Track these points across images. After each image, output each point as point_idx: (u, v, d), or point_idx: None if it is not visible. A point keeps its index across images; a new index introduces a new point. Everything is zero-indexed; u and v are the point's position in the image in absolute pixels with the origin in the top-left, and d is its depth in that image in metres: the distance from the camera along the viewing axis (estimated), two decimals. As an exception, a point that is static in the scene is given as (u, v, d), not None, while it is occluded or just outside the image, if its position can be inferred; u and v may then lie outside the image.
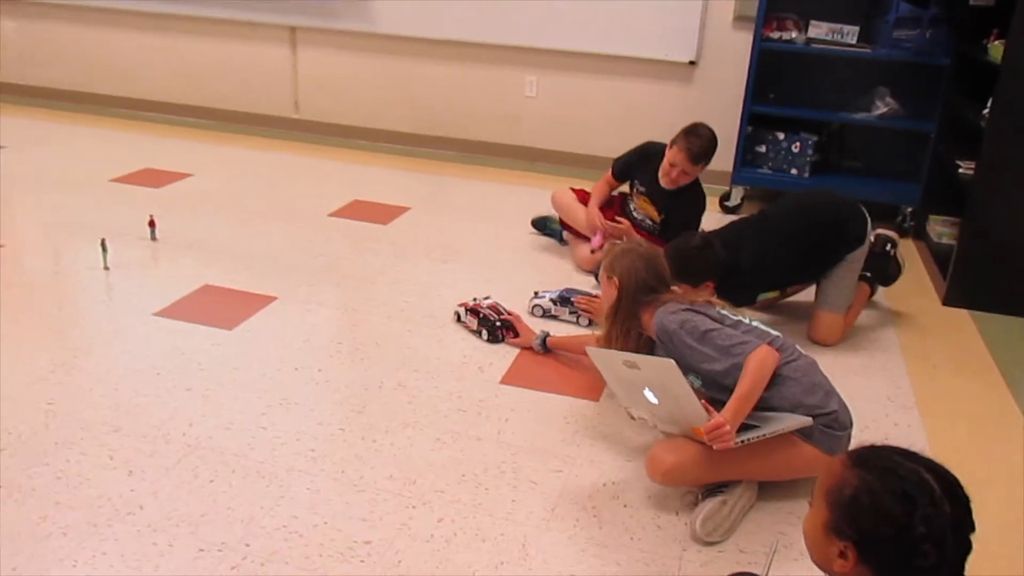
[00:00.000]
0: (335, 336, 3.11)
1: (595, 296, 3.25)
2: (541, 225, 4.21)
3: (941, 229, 4.30)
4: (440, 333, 3.16)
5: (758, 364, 2.19)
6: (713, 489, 2.21)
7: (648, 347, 2.56)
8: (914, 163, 4.60)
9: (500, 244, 4.08)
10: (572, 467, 2.41)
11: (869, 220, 3.18)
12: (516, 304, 3.29)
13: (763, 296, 3.40)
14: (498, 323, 3.10)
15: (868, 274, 3.42)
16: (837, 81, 4.71)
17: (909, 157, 4.65)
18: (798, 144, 4.67)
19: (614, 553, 2.09)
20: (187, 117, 6.14)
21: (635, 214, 3.85)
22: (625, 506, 2.26)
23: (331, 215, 4.36)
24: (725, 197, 4.76)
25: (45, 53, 6.37)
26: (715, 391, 2.30)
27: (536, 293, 3.39)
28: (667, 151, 3.59)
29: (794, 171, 4.72)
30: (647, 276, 2.52)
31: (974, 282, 3.64)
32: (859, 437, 2.37)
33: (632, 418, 2.36)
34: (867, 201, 3.28)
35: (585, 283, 3.61)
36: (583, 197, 3.95)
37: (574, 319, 3.30)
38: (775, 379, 2.23)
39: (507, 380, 2.86)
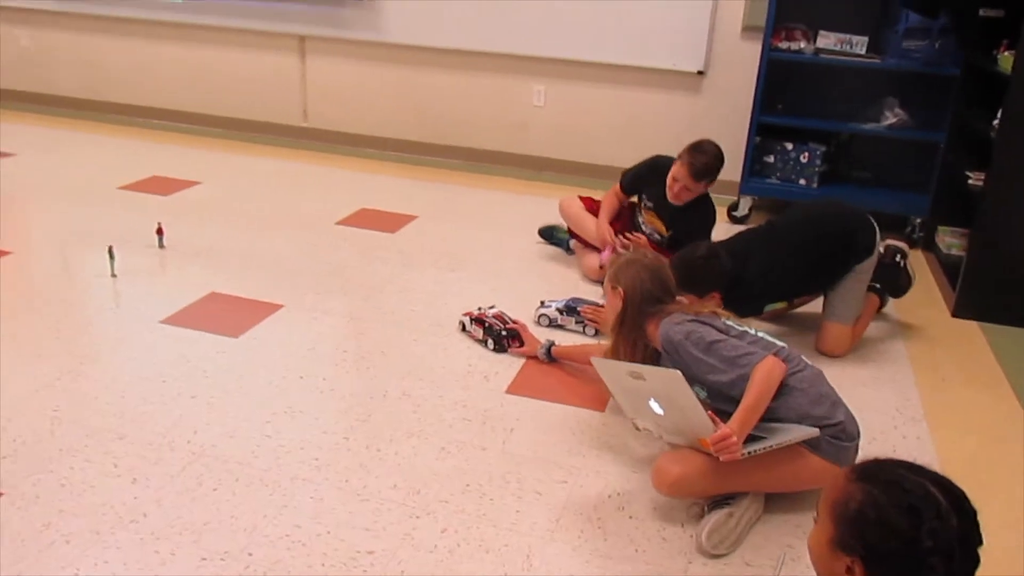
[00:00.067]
0: (341, 344, 3.10)
1: (602, 306, 3.24)
2: (548, 234, 4.20)
3: (950, 240, 4.28)
4: (446, 342, 3.15)
5: (765, 375, 2.18)
6: (719, 501, 2.20)
7: (654, 358, 2.55)
8: (923, 174, 4.58)
9: (507, 253, 4.08)
10: (577, 478, 2.40)
11: (878, 231, 3.16)
12: (522, 313, 3.28)
13: (770, 307, 3.38)
14: (503, 332, 3.09)
15: (877, 285, 3.41)
16: (846, 91, 4.69)
17: (918, 168, 4.64)
18: (806, 154, 4.66)
19: (619, 565, 2.07)
20: (196, 125, 6.16)
21: (643, 228, 3.84)
22: (630, 517, 2.25)
23: (338, 223, 4.36)
24: (733, 207, 4.74)
25: (54, 61, 6.40)
26: (721, 402, 2.28)
27: (542, 302, 3.38)
28: (673, 166, 3.58)
29: (802, 181, 4.71)
30: (652, 287, 2.51)
31: (984, 293, 3.62)
32: (867, 449, 2.35)
33: (637, 429, 2.35)
34: (876, 212, 3.27)
35: (592, 293, 3.59)
36: (590, 206, 3.95)
37: (580, 328, 3.29)
38: (781, 390, 2.21)
39: (513, 390, 2.85)
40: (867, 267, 3.18)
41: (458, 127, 5.62)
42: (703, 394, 2.33)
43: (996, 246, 3.57)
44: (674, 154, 3.63)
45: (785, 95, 4.65)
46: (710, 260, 2.95)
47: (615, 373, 2.27)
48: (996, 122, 3.53)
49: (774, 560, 2.12)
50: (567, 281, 3.80)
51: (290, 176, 5.16)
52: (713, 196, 3.69)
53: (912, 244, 4.47)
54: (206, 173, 5.05)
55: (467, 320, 3.20)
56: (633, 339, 2.55)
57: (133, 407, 2.63)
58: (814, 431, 2.15)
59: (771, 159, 4.74)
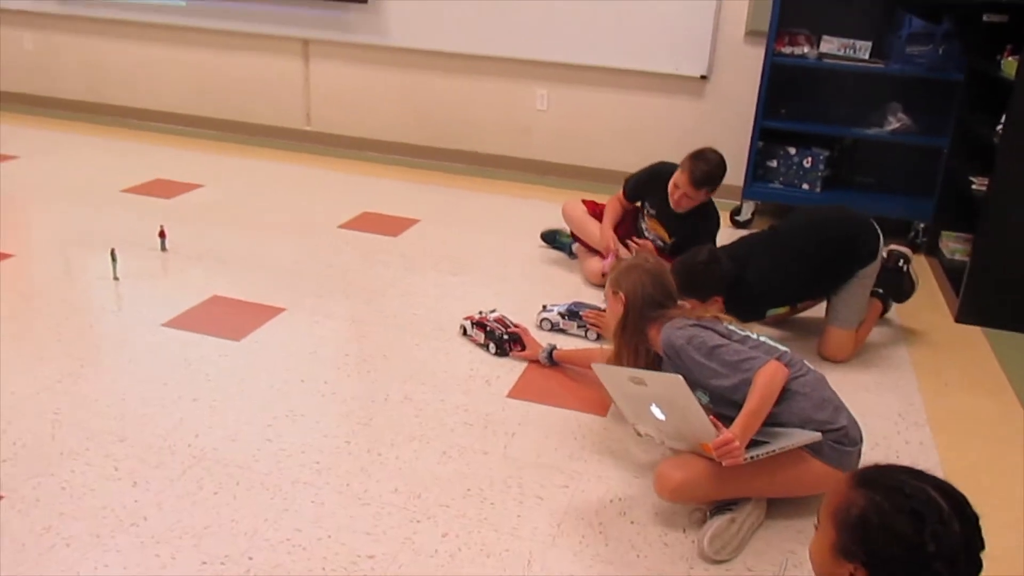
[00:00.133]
0: (342, 348, 3.10)
1: (604, 310, 3.23)
2: (550, 238, 4.19)
3: (954, 245, 4.27)
4: (448, 346, 3.15)
5: (767, 379, 2.17)
6: (721, 506, 2.19)
7: (656, 363, 2.54)
8: (927, 179, 4.57)
9: (509, 257, 4.08)
10: (579, 483, 2.39)
11: (881, 236, 3.16)
12: (524, 317, 3.28)
13: (773, 311, 3.37)
14: (505, 336, 3.08)
15: (881, 290, 3.40)
16: (849, 96, 4.69)
17: (922, 173, 4.63)
18: (810, 159, 4.65)
19: (620, 570, 2.07)
20: (199, 128, 6.16)
21: (647, 234, 3.83)
22: (632, 523, 2.24)
23: (341, 227, 4.36)
24: (736, 212, 4.74)
25: (58, 64, 6.42)
26: (723, 407, 2.28)
27: (544, 306, 3.38)
28: (675, 173, 3.56)
29: (805, 186, 4.71)
30: (653, 291, 2.50)
31: (987, 299, 3.61)
32: (870, 455, 2.35)
33: (639, 435, 2.34)
34: (879, 217, 3.26)
35: (594, 297, 3.59)
36: (593, 209, 3.94)
37: (582, 333, 3.29)
38: (784, 394, 2.21)
39: (514, 394, 2.84)
40: (870, 272, 3.17)
41: (461, 131, 5.62)
42: (705, 399, 2.33)
43: (1000, 251, 3.56)
44: (677, 160, 3.63)
45: (788, 100, 4.65)
46: (711, 265, 2.94)
47: (616, 379, 2.27)
48: (1000, 127, 3.52)
49: (776, 566, 2.11)
50: (569, 285, 3.80)
51: (293, 179, 5.17)
52: (716, 201, 3.68)
53: (915, 249, 4.47)
54: (209, 176, 5.06)
55: (469, 324, 3.20)
56: (635, 344, 2.54)
57: (134, 410, 2.62)
58: (817, 435, 2.15)
59: (774, 164, 4.74)
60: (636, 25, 4.99)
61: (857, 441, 2.26)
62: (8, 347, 2.97)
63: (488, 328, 3.12)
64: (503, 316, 3.19)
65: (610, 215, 3.83)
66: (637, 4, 4.94)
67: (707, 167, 3.48)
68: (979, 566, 1.32)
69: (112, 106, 6.36)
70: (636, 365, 2.52)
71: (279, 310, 3.36)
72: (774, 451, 2.09)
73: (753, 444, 2.12)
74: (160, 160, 5.35)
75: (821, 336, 3.25)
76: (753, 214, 4.75)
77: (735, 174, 4.37)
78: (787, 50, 4.48)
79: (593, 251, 3.87)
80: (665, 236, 3.73)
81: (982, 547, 1.32)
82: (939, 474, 1.38)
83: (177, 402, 2.68)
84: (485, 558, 2.07)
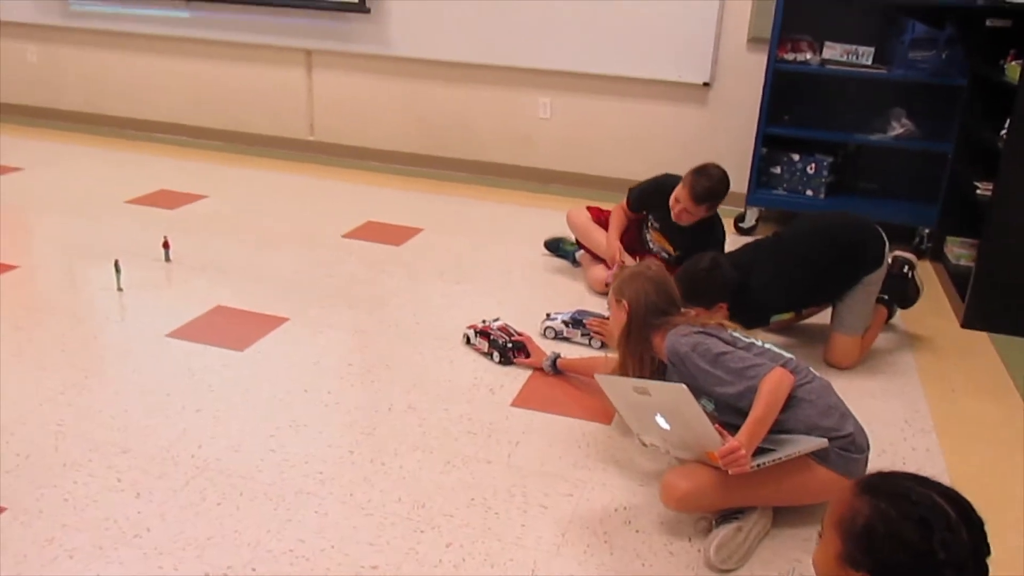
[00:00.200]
0: (346, 358, 3.09)
1: (607, 318, 3.22)
2: (554, 246, 4.19)
3: (959, 251, 4.26)
4: (451, 355, 3.14)
5: (773, 387, 2.16)
6: (728, 515, 2.17)
7: (661, 371, 2.53)
8: (931, 184, 4.56)
9: (513, 266, 4.07)
10: (583, 491, 2.38)
11: (887, 242, 3.15)
12: (528, 326, 3.27)
13: (778, 318, 3.36)
14: (509, 344, 3.08)
15: (886, 296, 3.38)
16: (852, 102, 4.68)
17: (926, 178, 4.61)
18: (813, 165, 4.65)
19: (625, 580, 2.06)
20: (203, 139, 6.18)
21: (651, 246, 3.82)
22: (637, 531, 2.23)
23: (344, 236, 4.36)
24: (740, 219, 4.73)
25: (61, 76, 6.44)
26: (728, 415, 2.26)
27: (548, 315, 3.37)
28: (677, 186, 3.54)
29: (809, 192, 4.70)
30: (657, 299, 2.49)
31: (993, 304, 3.59)
32: (876, 461, 2.33)
33: (644, 445, 2.33)
34: (884, 222, 3.24)
35: (598, 305, 3.58)
36: (598, 216, 3.93)
37: (586, 341, 3.28)
38: (790, 401, 2.19)
39: (518, 403, 2.83)
40: (876, 278, 3.16)
41: (464, 140, 5.62)
42: (710, 407, 2.31)
43: (1005, 256, 3.54)
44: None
45: (791, 106, 4.64)
46: (713, 271, 2.93)
47: (620, 389, 2.26)
48: (1004, 132, 3.51)
49: (783, 575, 2.09)
50: (573, 293, 3.79)
51: (296, 189, 5.17)
52: (720, 208, 3.66)
53: (920, 255, 4.45)
54: (213, 187, 5.06)
55: (472, 333, 3.19)
56: (639, 352, 2.53)
57: (137, 421, 2.62)
58: (823, 442, 2.13)
59: (778, 170, 4.73)
60: (638, 33, 4.99)
61: (864, 448, 2.24)
62: (12, 358, 2.97)
63: (492, 337, 3.11)
64: (507, 324, 3.19)
65: (615, 224, 3.81)
66: (639, 12, 4.94)
67: (708, 183, 3.44)
68: (986, 572, 1.30)
69: (116, 118, 6.37)
70: (641, 373, 2.51)
71: (282, 320, 3.36)
72: (780, 459, 2.08)
73: (759, 452, 2.10)
74: (164, 171, 5.36)
75: (827, 343, 3.24)
76: (757, 221, 4.74)
77: (739, 181, 4.36)
78: (790, 56, 4.48)
79: (598, 259, 3.86)
80: (670, 248, 3.72)
81: (988, 553, 1.31)
82: (945, 480, 1.37)
83: (180, 413, 2.68)
84: (489, 568, 2.06)
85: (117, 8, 6.00)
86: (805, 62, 4.47)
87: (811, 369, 2.33)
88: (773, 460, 2.07)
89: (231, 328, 3.28)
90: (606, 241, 3.78)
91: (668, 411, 2.13)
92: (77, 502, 2.23)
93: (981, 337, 3.56)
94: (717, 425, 2.09)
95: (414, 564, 2.06)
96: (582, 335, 3.29)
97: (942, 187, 4.47)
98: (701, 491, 2.15)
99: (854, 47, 4.41)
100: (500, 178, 5.56)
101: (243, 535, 2.13)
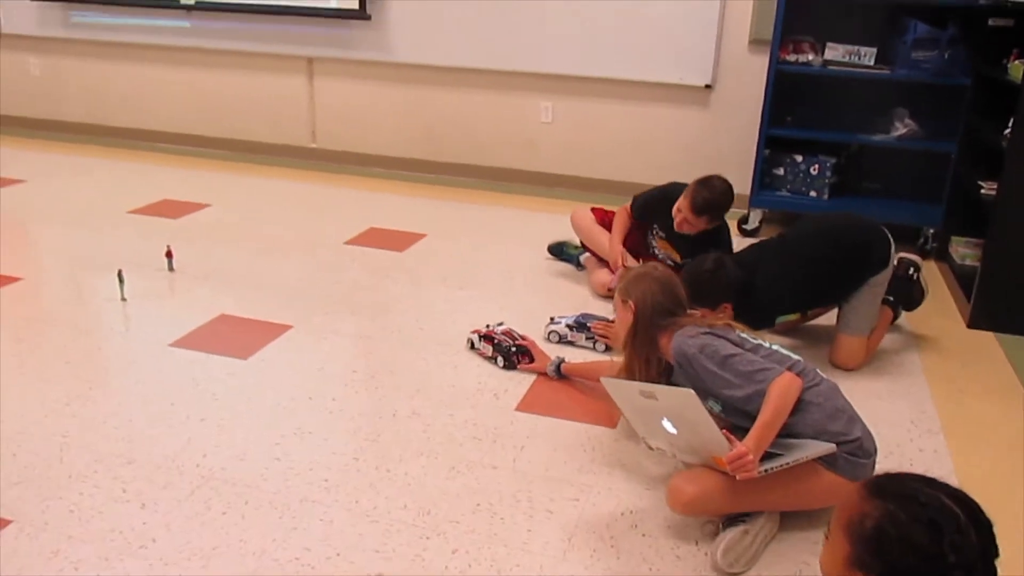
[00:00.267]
0: (350, 364, 3.09)
1: (612, 321, 3.21)
2: (557, 251, 4.18)
3: (964, 251, 4.24)
4: (455, 360, 3.13)
5: (782, 391, 2.14)
6: (734, 518, 2.16)
7: (668, 372, 2.52)
8: (935, 184, 4.54)
9: (516, 270, 4.06)
10: (589, 496, 2.37)
11: (893, 243, 3.13)
12: (531, 330, 3.26)
13: (783, 319, 3.35)
14: (513, 349, 3.07)
15: (891, 298, 3.37)
16: (855, 103, 4.67)
17: (930, 178, 4.60)
18: (816, 166, 4.64)
19: (633, 585, 2.05)
20: (205, 148, 6.18)
21: (656, 253, 3.80)
22: (644, 535, 2.22)
23: (347, 243, 4.36)
24: (743, 220, 4.72)
25: (63, 87, 6.45)
26: (736, 417, 2.25)
27: (552, 319, 3.36)
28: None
29: (813, 193, 4.69)
30: (664, 299, 2.47)
31: (999, 304, 3.58)
32: (883, 463, 2.32)
33: (650, 449, 2.32)
34: (888, 223, 3.23)
35: (601, 308, 3.57)
36: (602, 217, 3.91)
37: (591, 345, 3.27)
38: (798, 405, 2.17)
39: (523, 407, 2.82)
40: (882, 279, 3.15)
41: (466, 145, 5.62)
42: (717, 407, 2.30)
43: (1010, 255, 3.53)
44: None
45: (794, 107, 4.64)
46: (717, 272, 2.92)
47: (626, 393, 2.24)
48: (1007, 131, 3.50)
49: (791, 578, 2.08)
50: (577, 297, 3.78)
51: (299, 197, 5.17)
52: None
53: (925, 255, 4.44)
54: (215, 196, 5.07)
55: (476, 337, 3.18)
56: (646, 353, 2.50)
57: (142, 431, 2.61)
58: (831, 447, 2.12)
59: (781, 172, 4.72)
60: (640, 36, 4.99)
61: (871, 453, 2.23)
62: (16, 371, 2.97)
63: (496, 341, 3.11)
64: (511, 329, 3.18)
65: (619, 228, 3.79)
66: (640, 15, 4.94)
67: (709, 195, 3.40)
68: (994, 573, 1.29)
69: (118, 128, 6.38)
70: (647, 374, 2.49)
71: (286, 327, 3.35)
72: (788, 464, 2.06)
73: (766, 457, 2.09)
74: (166, 181, 5.37)
75: (833, 344, 3.23)
76: (761, 222, 4.73)
77: (742, 182, 4.36)
78: (792, 58, 4.47)
79: (602, 262, 3.84)
80: (676, 257, 3.70)
81: (997, 554, 1.29)
82: (953, 481, 1.36)
83: (185, 422, 2.67)
84: (496, 574, 2.05)
85: (118, 19, 6.02)
86: (807, 63, 4.46)
87: (819, 371, 2.32)
88: (781, 465, 2.06)
89: (235, 336, 3.28)
90: (608, 245, 3.77)
91: (675, 416, 2.12)
92: (82, 513, 2.23)
93: (987, 337, 3.54)
94: (725, 431, 2.08)
95: (420, 571, 2.05)
96: (586, 338, 3.28)
97: (946, 187, 4.45)
98: (707, 495, 2.14)
99: (856, 48, 4.40)
100: (502, 183, 5.56)
101: (248, 544, 2.13)
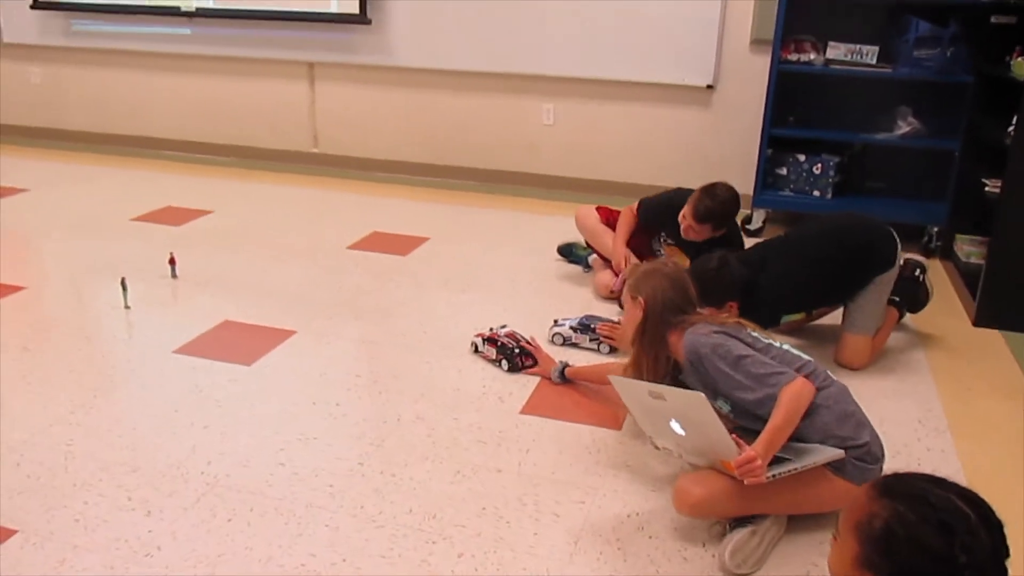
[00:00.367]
0: (353, 369, 3.08)
1: (617, 323, 3.20)
2: (566, 252, 4.17)
3: (969, 248, 4.23)
4: (459, 363, 3.13)
5: (793, 397, 2.12)
6: (742, 520, 2.15)
7: (676, 371, 2.49)
8: (939, 182, 4.54)
9: (519, 273, 4.06)
10: (595, 498, 2.36)
11: (899, 243, 3.12)
12: (536, 332, 3.25)
13: (788, 318, 3.34)
14: (517, 351, 3.06)
15: (896, 298, 3.36)
16: (858, 102, 4.66)
17: (934, 176, 4.59)
18: (819, 166, 4.63)
19: (640, 588, 2.03)
20: (207, 155, 6.19)
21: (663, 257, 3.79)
22: (650, 537, 2.21)
23: (350, 247, 4.35)
24: (747, 220, 4.71)
25: (64, 96, 6.46)
26: (745, 419, 2.24)
27: (556, 321, 3.35)
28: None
29: (816, 193, 4.68)
30: (674, 296, 2.44)
31: (1005, 301, 3.56)
32: (891, 462, 2.31)
33: (656, 448, 2.31)
34: (892, 221, 3.22)
35: (605, 310, 3.56)
36: (607, 217, 3.89)
37: (595, 346, 3.26)
38: (807, 409, 2.15)
39: (527, 410, 2.81)
40: (888, 279, 3.14)
41: (468, 148, 5.62)
42: (726, 408, 2.29)
43: (1016, 253, 3.52)
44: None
45: (796, 107, 4.63)
46: (721, 270, 2.91)
47: (634, 392, 2.23)
48: (1011, 128, 3.49)
49: (799, 579, 2.07)
50: (580, 299, 3.77)
51: (302, 202, 5.17)
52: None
53: (930, 253, 4.43)
54: (218, 202, 5.07)
55: (480, 341, 3.17)
56: (655, 351, 2.47)
57: (146, 439, 2.61)
58: (840, 452, 2.10)
59: (784, 171, 4.71)
60: (641, 37, 4.98)
61: (879, 457, 2.21)
62: (21, 379, 2.96)
63: (500, 344, 3.10)
64: (514, 331, 3.17)
65: (623, 229, 3.76)
66: (641, 16, 4.94)
67: (711, 203, 3.38)
68: (1005, 574, 1.28)
69: (119, 136, 6.39)
70: (655, 372, 2.46)
71: (289, 333, 3.35)
72: (796, 469, 2.04)
73: (775, 461, 2.07)
74: (169, 188, 5.37)
75: (838, 343, 3.22)
76: (764, 222, 4.72)
77: (745, 182, 4.35)
78: (793, 57, 4.46)
79: (607, 263, 3.83)
80: (685, 262, 3.68)
81: (1007, 554, 1.28)
82: (961, 480, 1.35)
83: (189, 429, 2.67)
84: (502, 579, 2.04)
85: (119, 27, 6.03)
86: (809, 62, 4.45)
87: (829, 373, 2.30)
88: (789, 471, 2.04)
89: (238, 343, 3.27)
90: (612, 246, 3.76)
91: (683, 417, 2.11)
92: (88, 522, 2.22)
93: (994, 335, 3.53)
94: (734, 435, 2.06)
95: (426, 575, 2.05)
96: (590, 340, 3.27)
97: (950, 185, 4.44)
98: (714, 498, 2.13)
99: (858, 46, 4.39)
100: (505, 185, 5.55)
101: (254, 551, 2.12)
